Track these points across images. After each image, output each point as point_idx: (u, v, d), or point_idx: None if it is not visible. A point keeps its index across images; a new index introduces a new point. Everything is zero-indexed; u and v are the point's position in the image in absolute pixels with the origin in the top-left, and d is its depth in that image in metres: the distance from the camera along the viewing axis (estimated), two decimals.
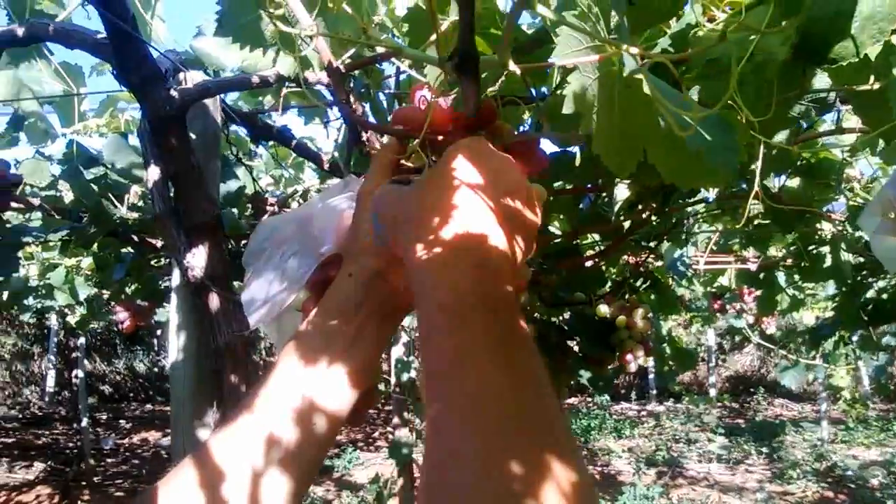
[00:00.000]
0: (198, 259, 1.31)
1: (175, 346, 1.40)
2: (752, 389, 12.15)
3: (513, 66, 0.69)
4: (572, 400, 11.48)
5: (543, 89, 1.18)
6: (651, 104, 0.70)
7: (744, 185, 1.85)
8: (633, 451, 8.59)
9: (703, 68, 0.86)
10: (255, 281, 0.83)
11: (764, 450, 8.51)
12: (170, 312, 1.42)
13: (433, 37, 0.99)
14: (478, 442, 0.43)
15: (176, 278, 1.41)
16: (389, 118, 0.90)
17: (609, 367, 2.19)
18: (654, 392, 11.86)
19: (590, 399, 11.37)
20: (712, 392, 10.95)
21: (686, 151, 0.68)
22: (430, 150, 0.77)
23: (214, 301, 1.31)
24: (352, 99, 1.11)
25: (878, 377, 5.32)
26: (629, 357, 2.11)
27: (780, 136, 1.13)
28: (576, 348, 2.30)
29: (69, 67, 2.06)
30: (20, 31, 1.33)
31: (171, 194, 1.36)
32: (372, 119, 1.41)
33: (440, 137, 0.75)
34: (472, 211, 0.56)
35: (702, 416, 10.00)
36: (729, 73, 0.72)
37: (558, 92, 1.04)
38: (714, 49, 0.79)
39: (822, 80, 1.01)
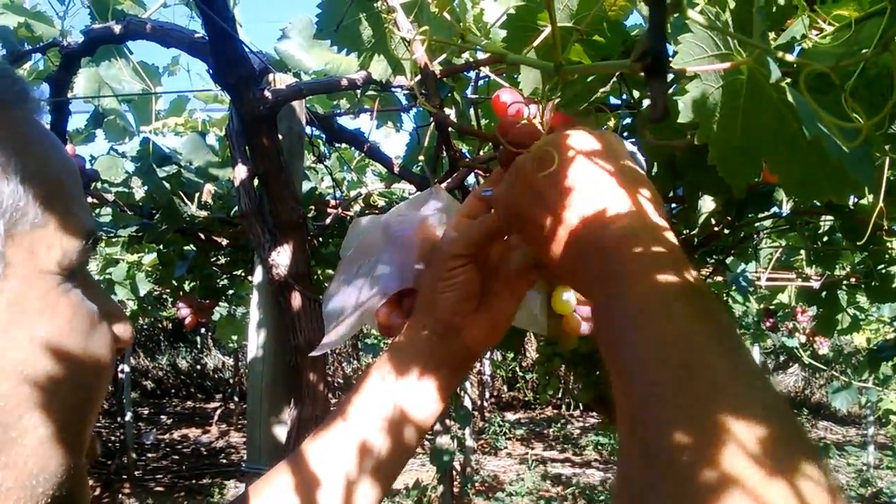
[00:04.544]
0: (282, 257, 1.33)
1: (254, 343, 1.42)
2: (795, 411, 11.90)
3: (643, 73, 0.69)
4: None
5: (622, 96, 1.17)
6: (781, 115, 0.69)
7: (817, 202, 1.82)
8: None
9: (812, 81, 0.85)
10: (344, 288, 0.84)
11: None
12: (251, 309, 1.44)
13: (536, 42, 1.00)
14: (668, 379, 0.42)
15: (258, 276, 1.43)
16: (497, 128, 0.91)
17: None
18: None
19: None
20: None
21: (820, 164, 0.67)
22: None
23: (297, 299, 1.33)
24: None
25: None
26: None
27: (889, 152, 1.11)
28: None
29: (146, 67, 2.11)
30: (117, 29, 1.37)
31: (257, 193, 1.38)
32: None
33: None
34: (596, 185, 0.56)
35: None
36: (839, 86, 0.71)
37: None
38: (825, 60, 0.79)
39: None
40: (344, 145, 2.34)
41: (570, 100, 0.91)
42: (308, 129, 1.76)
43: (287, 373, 1.39)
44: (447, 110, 1.46)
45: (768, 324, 4.34)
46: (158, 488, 7.18)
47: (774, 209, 1.89)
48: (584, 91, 0.91)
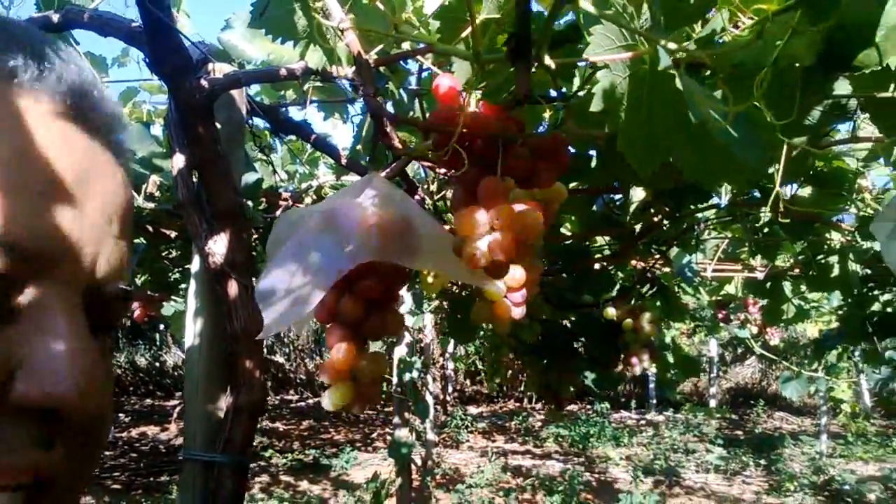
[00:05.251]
0: (219, 246, 1.33)
1: (191, 332, 1.42)
2: (752, 402, 12.15)
3: (549, 61, 0.71)
4: (571, 407, 11.48)
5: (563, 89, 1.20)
6: (679, 102, 0.72)
7: (756, 193, 1.87)
8: (631, 460, 8.60)
9: (727, 72, 0.88)
10: (275, 269, 0.85)
11: (762, 462, 8.52)
12: (188, 298, 1.44)
13: (464, 33, 1.01)
14: None
15: (196, 265, 1.43)
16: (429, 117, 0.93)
17: (614, 369, 2.22)
18: (654, 402, 11.87)
19: (589, 406, 11.38)
20: (712, 403, 10.97)
21: (712, 149, 0.70)
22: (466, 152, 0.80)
23: (233, 288, 1.34)
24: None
25: (881, 390, 5.33)
26: (634, 360, 2.13)
27: (798, 142, 1.15)
28: (581, 350, 2.32)
29: (93, 57, 2.09)
30: (55, 18, 1.36)
31: (195, 182, 1.39)
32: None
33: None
34: None
35: (701, 426, 10.01)
36: (752, 78, 0.74)
37: (583, 91, 1.06)
38: (739, 53, 0.82)
39: (841, 86, 1.03)
40: (294, 138, 2.34)
41: (492, 90, 0.93)
42: (256, 121, 1.76)
43: (224, 360, 1.40)
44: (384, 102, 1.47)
45: (721, 315, 4.43)
46: (115, 486, 7.09)
47: (715, 200, 1.94)
48: (506, 81, 0.93)
